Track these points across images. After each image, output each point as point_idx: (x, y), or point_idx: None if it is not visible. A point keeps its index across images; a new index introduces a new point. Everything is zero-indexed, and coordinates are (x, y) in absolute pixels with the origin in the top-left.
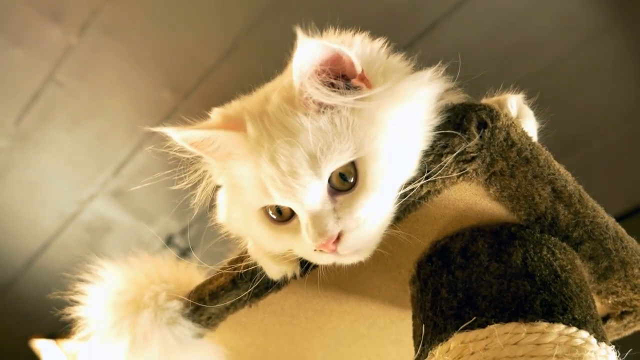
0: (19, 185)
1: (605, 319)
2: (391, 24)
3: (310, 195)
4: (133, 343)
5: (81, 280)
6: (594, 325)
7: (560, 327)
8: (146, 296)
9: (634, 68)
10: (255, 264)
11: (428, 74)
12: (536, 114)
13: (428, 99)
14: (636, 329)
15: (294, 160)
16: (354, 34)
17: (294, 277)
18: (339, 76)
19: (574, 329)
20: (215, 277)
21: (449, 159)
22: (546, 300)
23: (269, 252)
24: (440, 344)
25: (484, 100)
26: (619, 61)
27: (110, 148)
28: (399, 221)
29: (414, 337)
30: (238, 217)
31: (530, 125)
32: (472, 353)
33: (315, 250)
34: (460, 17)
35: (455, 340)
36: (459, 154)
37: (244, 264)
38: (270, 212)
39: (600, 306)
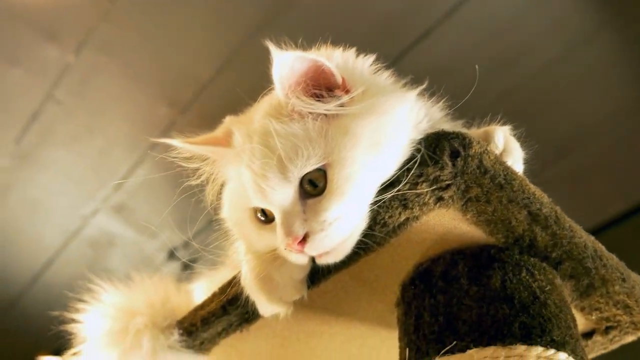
0: (22, 203)
1: (591, 334)
2: (382, 36)
3: (279, 197)
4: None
5: (81, 301)
6: (573, 345)
7: (538, 350)
8: (143, 320)
9: (627, 69)
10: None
11: (413, 94)
12: (528, 124)
13: (409, 117)
14: (622, 342)
15: (263, 164)
16: (342, 49)
17: None
18: (322, 87)
19: (552, 350)
20: (207, 303)
21: (425, 187)
22: (525, 323)
23: (257, 253)
24: None
25: (473, 131)
26: (611, 63)
27: (110, 164)
28: (380, 246)
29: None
30: (234, 214)
31: (517, 157)
32: None
33: (285, 249)
34: (452, 25)
35: None
36: (433, 182)
37: (233, 289)
38: (258, 214)
39: (585, 322)
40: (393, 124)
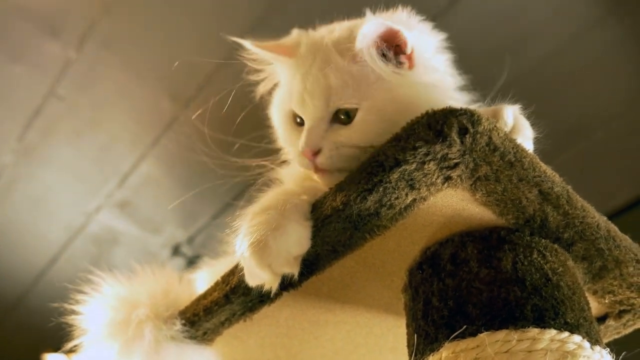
0: (25, 200)
1: (604, 318)
2: None
3: (314, 113)
4: (133, 355)
5: (82, 293)
6: (587, 328)
7: (551, 333)
8: (145, 311)
9: (634, 56)
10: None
11: (459, 95)
12: (535, 112)
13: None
14: (636, 327)
15: (316, 85)
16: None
17: (286, 289)
18: (392, 48)
19: (566, 333)
20: (209, 292)
21: (432, 166)
22: (537, 306)
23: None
24: (432, 354)
25: (482, 109)
26: (618, 50)
27: (113, 160)
28: (386, 229)
29: (408, 346)
30: (278, 112)
31: (527, 135)
32: None
33: (301, 153)
34: (456, 12)
35: (447, 350)
36: (441, 161)
37: (236, 277)
38: (297, 117)
39: (597, 306)
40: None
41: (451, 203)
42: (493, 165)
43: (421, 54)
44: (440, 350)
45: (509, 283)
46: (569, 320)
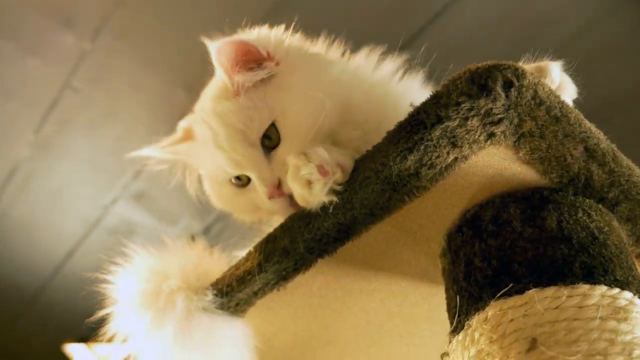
0: (42, 193)
1: None
2: (402, 10)
3: (249, 160)
4: (165, 326)
5: (114, 264)
6: (638, 286)
7: (602, 289)
8: (176, 282)
9: None
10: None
11: (325, 56)
12: None
13: (333, 72)
14: None
15: (229, 140)
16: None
17: (321, 256)
18: (253, 63)
19: (617, 289)
20: (242, 263)
21: (475, 122)
22: (585, 263)
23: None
24: (477, 313)
25: (523, 65)
26: (636, 33)
27: (129, 151)
28: (425, 191)
29: (448, 310)
30: (219, 195)
31: (571, 93)
32: (512, 320)
33: (270, 199)
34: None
35: (493, 309)
36: (485, 116)
37: (269, 245)
38: (233, 181)
39: None
40: (316, 76)
41: (493, 162)
42: (538, 120)
43: (277, 49)
44: (487, 309)
45: (555, 241)
46: (618, 277)
